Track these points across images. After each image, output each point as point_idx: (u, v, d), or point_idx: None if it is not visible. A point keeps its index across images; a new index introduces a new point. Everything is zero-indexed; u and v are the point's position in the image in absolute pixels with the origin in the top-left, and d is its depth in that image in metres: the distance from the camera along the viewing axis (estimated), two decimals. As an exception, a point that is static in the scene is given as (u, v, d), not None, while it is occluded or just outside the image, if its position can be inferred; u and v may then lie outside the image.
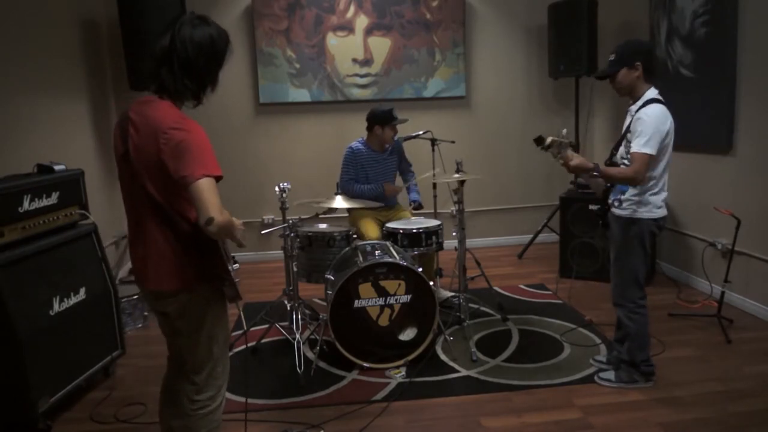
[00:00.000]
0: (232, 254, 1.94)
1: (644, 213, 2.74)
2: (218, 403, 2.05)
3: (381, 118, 4.00)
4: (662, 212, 2.77)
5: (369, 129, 4.08)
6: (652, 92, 2.74)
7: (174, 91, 1.81)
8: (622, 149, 2.81)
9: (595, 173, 2.66)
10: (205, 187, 1.67)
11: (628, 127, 2.76)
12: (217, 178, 1.73)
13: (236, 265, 1.97)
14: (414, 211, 4.14)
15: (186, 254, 1.85)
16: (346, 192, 3.87)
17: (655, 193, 2.73)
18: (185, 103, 1.88)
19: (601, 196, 2.91)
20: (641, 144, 2.61)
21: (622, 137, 2.81)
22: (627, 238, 2.79)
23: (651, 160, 2.63)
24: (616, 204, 2.82)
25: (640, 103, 2.72)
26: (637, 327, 2.84)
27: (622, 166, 2.77)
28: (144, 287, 1.95)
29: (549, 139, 2.67)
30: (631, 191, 2.75)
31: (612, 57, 2.76)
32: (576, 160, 2.69)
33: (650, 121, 2.62)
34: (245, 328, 3.54)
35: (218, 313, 1.99)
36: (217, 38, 1.84)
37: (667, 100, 2.75)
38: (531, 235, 5.45)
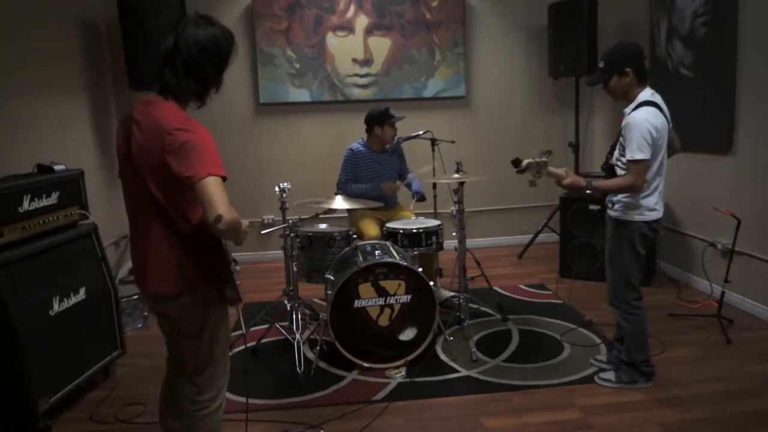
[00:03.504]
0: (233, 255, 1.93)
1: (635, 215, 2.71)
2: (219, 403, 2.05)
3: (378, 118, 4.00)
4: (655, 215, 2.73)
5: (368, 131, 4.08)
6: (645, 94, 2.69)
7: (178, 91, 1.79)
8: (616, 152, 2.79)
9: (588, 190, 2.64)
10: (212, 184, 1.64)
11: (620, 131, 2.74)
12: (223, 179, 1.70)
13: (237, 267, 1.95)
14: (417, 202, 4.12)
15: (187, 256, 1.83)
16: (344, 192, 3.87)
17: (646, 196, 2.69)
18: (189, 104, 1.87)
19: (601, 196, 2.91)
20: (633, 151, 2.58)
21: (616, 140, 2.80)
22: (618, 239, 2.79)
23: (647, 165, 2.61)
24: (609, 205, 2.81)
25: (633, 105, 2.69)
26: (633, 328, 2.83)
27: (617, 169, 2.76)
28: (144, 288, 1.93)
29: (525, 162, 2.59)
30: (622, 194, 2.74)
31: (601, 65, 2.73)
32: (570, 178, 2.69)
33: (637, 126, 2.58)
34: (243, 329, 3.55)
35: (220, 315, 1.98)
36: (221, 39, 1.82)
37: (667, 100, 2.74)
38: (531, 235, 5.45)
